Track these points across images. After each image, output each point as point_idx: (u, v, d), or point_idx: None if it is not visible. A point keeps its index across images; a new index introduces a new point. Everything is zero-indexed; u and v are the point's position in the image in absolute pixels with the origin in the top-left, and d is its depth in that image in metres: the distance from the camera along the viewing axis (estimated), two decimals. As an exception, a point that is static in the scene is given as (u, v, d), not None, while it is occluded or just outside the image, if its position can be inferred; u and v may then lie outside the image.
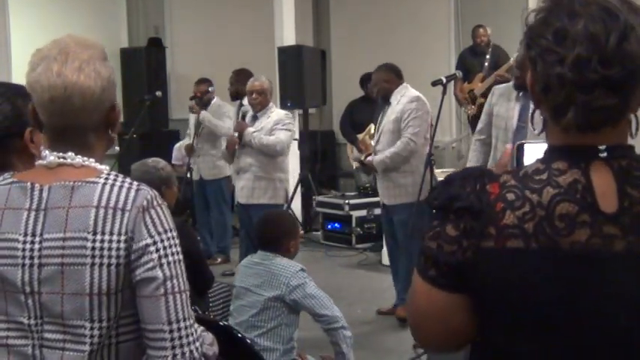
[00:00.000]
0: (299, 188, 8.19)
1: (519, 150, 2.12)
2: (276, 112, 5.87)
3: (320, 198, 8.48)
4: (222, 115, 7.11)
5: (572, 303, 1.17)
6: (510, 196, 1.19)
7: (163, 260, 1.49)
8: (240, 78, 6.97)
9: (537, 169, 1.21)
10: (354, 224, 7.92)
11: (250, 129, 5.71)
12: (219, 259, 7.15)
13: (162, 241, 1.50)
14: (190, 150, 7.24)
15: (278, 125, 5.71)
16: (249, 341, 3.11)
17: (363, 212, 7.94)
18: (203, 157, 7.11)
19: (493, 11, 9.05)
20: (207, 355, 1.62)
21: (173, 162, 8.05)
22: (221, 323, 3.35)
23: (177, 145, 8.20)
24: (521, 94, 4.70)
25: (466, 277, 1.21)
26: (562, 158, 1.21)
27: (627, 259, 1.16)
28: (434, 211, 1.27)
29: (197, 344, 1.52)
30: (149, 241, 1.48)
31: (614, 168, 1.19)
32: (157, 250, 1.49)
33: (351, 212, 7.92)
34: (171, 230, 1.52)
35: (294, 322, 3.60)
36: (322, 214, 8.22)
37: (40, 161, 1.56)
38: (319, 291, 3.57)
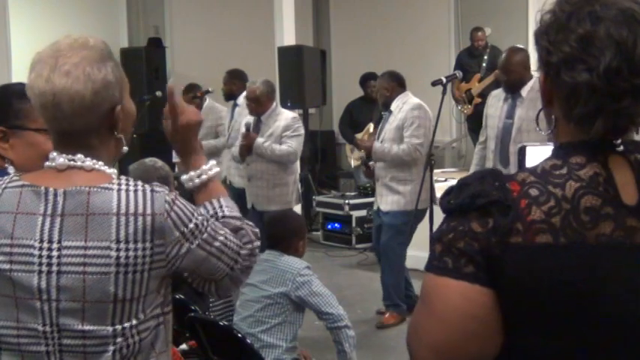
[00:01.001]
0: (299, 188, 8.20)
1: (521, 152, 2.12)
2: (283, 117, 5.76)
3: (320, 198, 8.48)
4: (217, 119, 7.09)
5: (599, 295, 1.17)
6: (534, 192, 1.18)
7: (197, 241, 1.52)
8: (233, 78, 6.96)
9: (555, 165, 1.21)
10: (354, 224, 7.92)
11: (260, 140, 5.63)
12: None
13: (191, 231, 1.52)
14: None
15: (287, 132, 5.64)
16: (249, 341, 3.11)
17: (363, 212, 7.94)
18: None
19: (493, 12, 9.06)
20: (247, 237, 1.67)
21: (174, 160, 8.06)
22: (221, 323, 3.35)
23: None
24: (509, 95, 5.11)
25: (495, 273, 1.19)
26: (579, 153, 1.21)
27: None
28: (448, 213, 1.23)
29: (242, 245, 1.63)
30: (181, 237, 1.50)
31: (631, 161, 1.20)
32: (188, 239, 1.51)
33: (351, 212, 7.93)
34: (193, 214, 1.53)
35: (297, 321, 3.61)
36: (322, 214, 8.23)
37: (48, 163, 1.53)
38: (325, 289, 3.59)
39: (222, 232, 1.59)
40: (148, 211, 1.47)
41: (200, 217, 1.55)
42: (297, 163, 5.91)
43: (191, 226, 1.52)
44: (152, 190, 1.50)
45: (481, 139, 5.45)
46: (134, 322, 1.49)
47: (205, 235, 1.55)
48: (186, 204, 1.54)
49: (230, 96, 6.95)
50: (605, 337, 1.19)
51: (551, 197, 1.18)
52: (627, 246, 1.17)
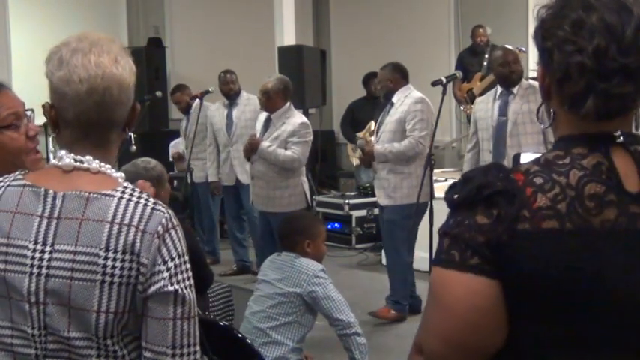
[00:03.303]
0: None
1: (515, 160, 2.16)
2: (292, 121, 5.67)
3: (320, 198, 8.47)
4: (205, 117, 7.06)
5: (604, 279, 1.20)
6: (538, 180, 1.22)
7: (175, 285, 1.44)
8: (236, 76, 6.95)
9: (558, 155, 1.25)
10: (354, 224, 7.92)
11: (265, 144, 5.60)
12: (208, 260, 7.16)
13: (175, 266, 1.45)
14: (179, 159, 7.27)
15: (293, 138, 5.57)
16: (249, 341, 3.11)
17: (363, 212, 7.94)
18: (193, 162, 7.02)
19: (493, 11, 9.06)
20: None
21: (171, 159, 8.07)
22: (221, 323, 3.35)
23: (173, 143, 8.23)
24: (499, 91, 5.24)
25: (503, 262, 1.22)
26: (581, 145, 1.25)
27: None
28: (453, 207, 1.26)
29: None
30: (162, 267, 1.44)
31: (632, 152, 1.24)
32: (170, 277, 1.44)
33: (351, 212, 7.92)
34: (184, 254, 1.47)
35: (308, 323, 3.60)
36: (322, 214, 8.22)
37: (54, 162, 1.51)
38: (338, 294, 3.58)
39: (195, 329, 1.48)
40: (141, 226, 1.43)
41: (185, 266, 1.47)
42: (303, 167, 5.87)
43: (170, 264, 1.45)
44: (153, 208, 1.46)
45: (469, 145, 5.51)
46: (120, 338, 1.46)
47: (183, 290, 1.45)
48: (182, 239, 1.48)
49: (237, 95, 6.91)
50: (612, 322, 1.22)
51: (556, 185, 1.21)
52: (631, 232, 1.21)
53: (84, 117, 1.47)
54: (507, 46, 5.59)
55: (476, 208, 1.23)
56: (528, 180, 1.23)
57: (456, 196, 1.26)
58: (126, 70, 1.48)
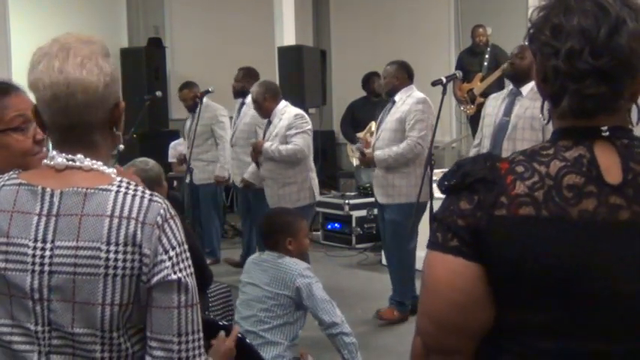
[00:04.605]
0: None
1: None
2: (286, 115, 5.77)
3: (320, 198, 8.45)
4: (211, 118, 7.12)
5: (581, 268, 1.23)
6: (519, 169, 1.27)
7: (178, 273, 1.46)
8: (248, 76, 6.94)
9: (543, 147, 1.31)
10: (354, 224, 7.92)
11: (267, 144, 5.70)
12: (209, 261, 7.15)
13: (177, 255, 1.47)
14: (182, 161, 7.30)
15: (291, 131, 5.65)
16: (248, 341, 3.11)
17: (363, 212, 7.94)
18: (194, 163, 7.01)
19: (493, 11, 9.06)
20: None
21: (170, 160, 8.07)
22: (221, 323, 3.35)
23: (172, 144, 8.23)
24: (510, 88, 5.12)
25: (482, 246, 1.26)
26: (567, 137, 1.30)
27: (631, 228, 1.24)
28: (445, 193, 1.33)
29: (202, 358, 1.53)
30: (164, 256, 1.46)
31: (617, 145, 1.28)
32: (172, 265, 1.46)
33: (351, 212, 7.93)
34: (183, 243, 1.50)
35: (299, 321, 3.59)
36: (322, 214, 8.22)
37: (46, 162, 1.52)
38: (323, 293, 3.55)
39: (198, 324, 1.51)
40: (141, 218, 1.45)
41: (185, 255, 1.50)
42: (311, 162, 5.90)
43: (172, 253, 1.47)
44: (150, 200, 1.48)
45: (476, 141, 5.43)
46: (125, 331, 1.47)
47: (185, 279, 1.47)
48: (180, 229, 1.50)
49: (241, 94, 6.92)
50: (591, 311, 1.24)
51: (535, 173, 1.26)
52: (610, 222, 1.24)
53: (57, 120, 1.50)
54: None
55: (461, 194, 1.29)
56: (511, 168, 1.28)
57: (446, 183, 1.32)
58: (93, 73, 1.47)
